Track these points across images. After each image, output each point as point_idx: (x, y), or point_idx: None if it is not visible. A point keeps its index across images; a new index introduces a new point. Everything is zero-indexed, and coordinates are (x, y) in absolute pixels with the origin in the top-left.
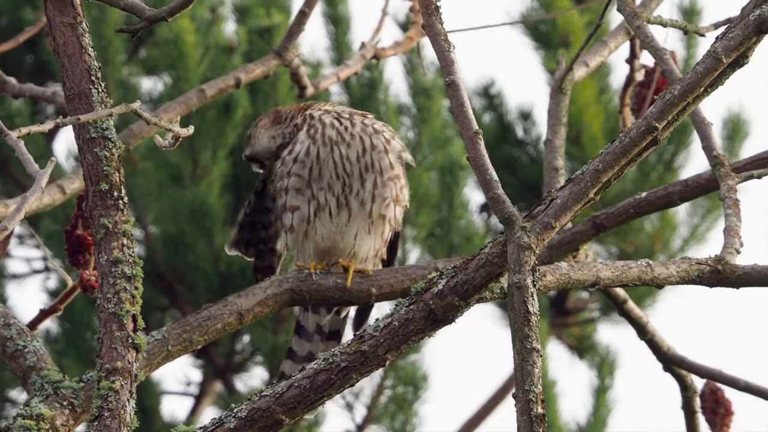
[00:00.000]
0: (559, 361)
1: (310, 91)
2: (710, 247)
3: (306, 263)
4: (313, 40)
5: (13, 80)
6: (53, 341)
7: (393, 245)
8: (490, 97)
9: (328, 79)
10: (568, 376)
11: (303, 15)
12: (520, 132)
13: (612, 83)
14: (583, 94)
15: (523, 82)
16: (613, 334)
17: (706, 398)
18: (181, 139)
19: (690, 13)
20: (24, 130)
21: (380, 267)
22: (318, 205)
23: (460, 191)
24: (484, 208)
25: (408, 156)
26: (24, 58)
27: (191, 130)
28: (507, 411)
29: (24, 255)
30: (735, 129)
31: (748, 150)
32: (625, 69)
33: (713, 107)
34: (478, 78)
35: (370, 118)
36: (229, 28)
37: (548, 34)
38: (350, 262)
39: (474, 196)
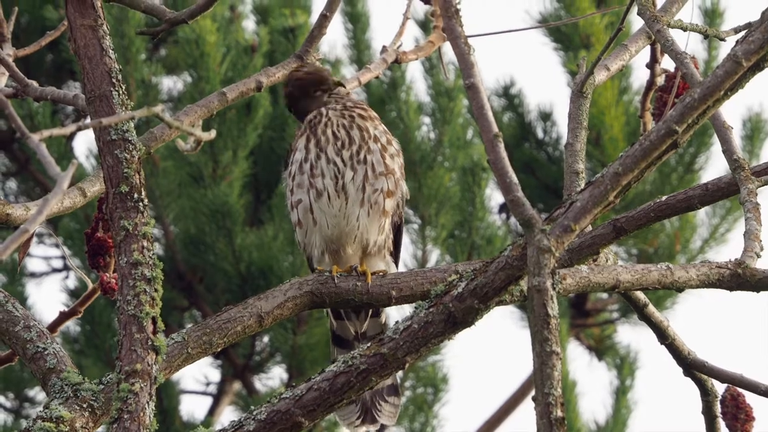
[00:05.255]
0: (579, 362)
1: None
2: (730, 247)
3: (316, 254)
4: (333, 38)
5: (34, 83)
6: (72, 341)
7: (396, 241)
8: (510, 98)
9: (349, 83)
10: (588, 377)
11: (324, 18)
12: (540, 132)
13: (633, 84)
14: (604, 95)
15: (544, 83)
16: (633, 335)
17: (727, 403)
18: (202, 143)
19: (712, 15)
20: (46, 133)
21: (389, 263)
22: (317, 192)
23: (481, 192)
24: (503, 208)
25: (400, 160)
26: (44, 58)
27: (213, 134)
28: (526, 412)
29: (43, 254)
30: (755, 128)
31: None
32: (645, 71)
33: (733, 106)
34: (498, 78)
35: (374, 123)
36: (250, 27)
37: (569, 34)
38: (363, 265)
39: (494, 196)
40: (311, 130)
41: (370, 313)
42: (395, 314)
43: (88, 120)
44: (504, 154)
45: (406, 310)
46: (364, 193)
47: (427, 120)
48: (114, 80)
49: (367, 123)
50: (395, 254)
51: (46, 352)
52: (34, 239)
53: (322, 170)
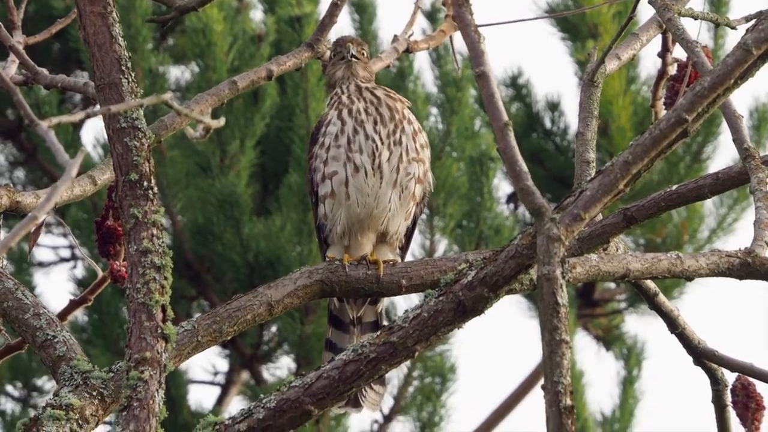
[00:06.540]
0: (586, 352)
1: None
2: (738, 237)
3: (338, 231)
4: (339, 27)
5: (44, 71)
6: (80, 330)
7: (408, 234)
8: (517, 88)
9: None
10: (595, 367)
11: (335, 6)
12: (547, 122)
13: (641, 74)
14: (612, 85)
15: (551, 73)
16: (640, 325)
17: (738, 392)
18: (211, 131)
19: (718, 3)
20: (54, 120)
21: (397, 256)
22: (355, 167)
23: (489, 182)
24: (511, 198)
25: (428, 152)
26: (51, 47)
27: (222, 121)
28: (534, 402)
29: (51, 243)
30: (762, 119)
31: None
32: (654, 60)
33: (740, 97)
34: (506, 68)
35: (404, 105)
36: (257, 16)
37: (577, 24)
38: (374, 255)
39: (502, 186)
40: (340, 102)
41: (368, 299)
42: (402, 303)
43: (97, 108)
44: (514, 142)
45: (413, 299)
46: (398, 174)
47: (434, 110)
48: (123, 68)
49: (397, 104)
50: (405, 247)
51: (55, 340)
52: (43, 228)
53: (360, 146)
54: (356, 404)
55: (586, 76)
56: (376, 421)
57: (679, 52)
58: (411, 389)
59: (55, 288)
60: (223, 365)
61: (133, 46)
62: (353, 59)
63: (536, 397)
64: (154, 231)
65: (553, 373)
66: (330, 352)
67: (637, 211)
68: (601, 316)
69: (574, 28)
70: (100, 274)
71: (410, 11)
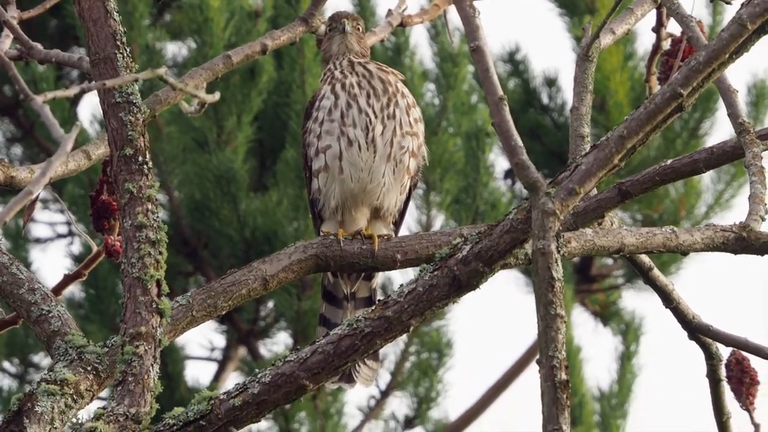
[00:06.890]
0: (584, 328)
1: None
2: (735, 213)
3: (332, 205)
4: (339, 3)
5: (39, 46)
6: (77, 307)
7: (402, 211)
8: (515, 63)
9: None
10: (593, 343)
11: None
12: (545, 98)
13: (638, 50)
14: (609, 61)
15: (549, 49)
16: (637, 300)
17: (732, 367)
18: (206, 105)
19: None
20: (49, 95)
21: (391, 231)
22: (348, 141)
23: (485, 157)
24: (508, 174)
25: (422, 126)
26: (48, 23)
27: (217, 96)
28: (531, 377)
29: (48, 219)
30: (760, 95)
31: None
32: (651, 36)
33: (738, 73)
34: (504, 44)
35: (396, 78)
36: None
37: (574, 0)
38: (369, 229)
39: (499, 162)
40: (333, 77)
41: (362, 275)
42: (398, 278)
43: (92, 83)
44: (509, 116)
45: (409, 273)
46: (392, 148)
47: (431, 86)
48: (118, 42)
49: (390, 77)
50: (399, 222)
51: (50, 315)
52: (39, 205)
53: (354, 120)
54: (350, 379)
55: (581, 50)
56: (373, 397)
57: (673, 27)
58: (408, 365)
59: (52, 264)
60: (220, 341)
61: (130, 22)
62: (348, 34)
63: (533, 372)
64: (149, 206)
65: (548, 348)
66: (324, 327)
67: (631, 185)
68: (598, 291)
69: (572, 3)
70: (95, 249)
71: None
